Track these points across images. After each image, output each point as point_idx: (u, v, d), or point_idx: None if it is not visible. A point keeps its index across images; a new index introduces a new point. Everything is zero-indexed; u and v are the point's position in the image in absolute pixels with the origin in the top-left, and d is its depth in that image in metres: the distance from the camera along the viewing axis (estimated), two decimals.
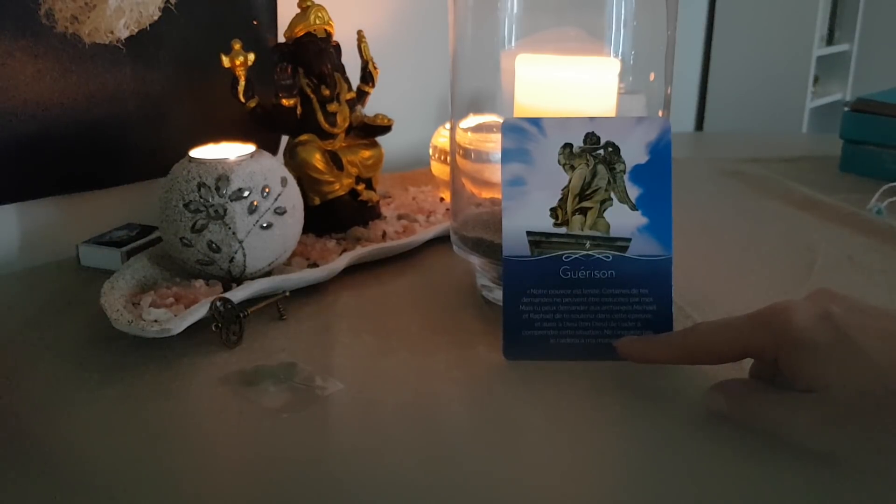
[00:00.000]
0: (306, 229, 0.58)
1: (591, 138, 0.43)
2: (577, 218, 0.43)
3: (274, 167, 0.53)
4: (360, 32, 0.66)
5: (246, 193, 0.50)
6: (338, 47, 0.64)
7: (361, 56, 0.66)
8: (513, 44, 0.51)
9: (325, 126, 0.63)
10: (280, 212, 0.52)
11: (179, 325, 0.46)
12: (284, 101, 0.60)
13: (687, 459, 0.36)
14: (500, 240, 0.44)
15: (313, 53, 0.62)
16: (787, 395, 0.36)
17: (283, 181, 0.53)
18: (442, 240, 0.64)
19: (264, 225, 0.51)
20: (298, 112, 0.62)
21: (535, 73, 0.50)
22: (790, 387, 0.35)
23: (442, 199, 0.72)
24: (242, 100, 0.60)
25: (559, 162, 0.43)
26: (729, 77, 2.06)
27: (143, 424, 0.39)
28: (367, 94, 0.67)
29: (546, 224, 0.43)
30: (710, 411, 0.39)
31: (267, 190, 0.52)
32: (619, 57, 0.49)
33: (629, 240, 0.43)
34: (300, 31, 0.62)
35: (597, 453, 0.37)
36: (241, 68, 0.59)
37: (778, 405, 0.36)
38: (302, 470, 0.36)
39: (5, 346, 0.48)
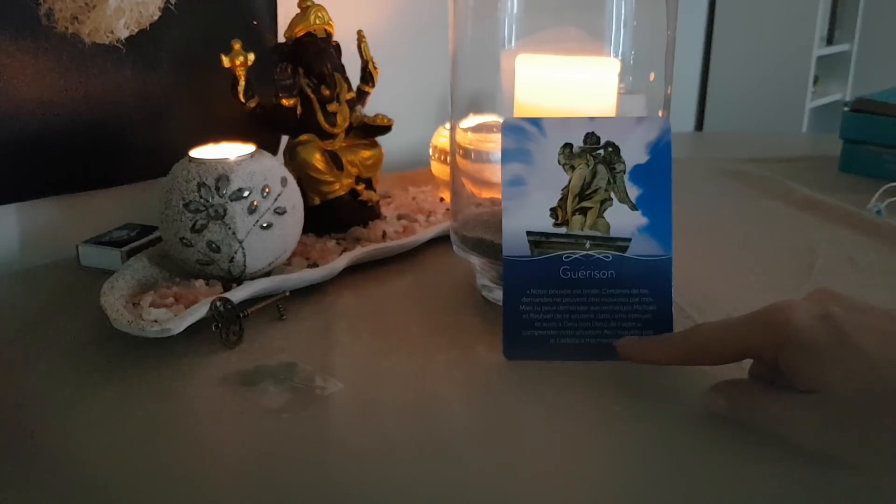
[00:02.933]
0: (306, 229, 0.58)
1: (591, 138, 0.43)
2: (577, 218, 0.43)
3: (274, 167, 0.53)
4: (360, 32, 0.66)
5: (246, 193, 0.50)
6: (338, 47, 0.64)
7: (361, 56, 0.66)
8: (513, 44, 0.51)
9: (325, 126, 0.63)
10: (280, 212, 0.52)
11: (179, 325, 0.46)
12: (284, 101, 0.60)
13: (687, 459, 0.36)
14: (500, 240, 0.44)
15: (313, 53, 0.62)
16: (787, 396, 0.36)
17: (283, 181, 0.53)
18: (442, 240, 0.64)
19: (264, 225, 0.51)
20: (298, 112, 0.62)
21: (535, 73, 0.50)
22: (790, 387, 0.35)
23: (442, 199, 0.72)
24: (242, 100, 0.60)
25: (559, 162, 0.43)
26: (729, 77, 2.06)
27: (143, 424, 0.39)
28: (367, 94, 0.67)
29: (546, 224, 0.43)
30: (710, 411, 0.39)
31: (267, 190, 0.52)
32: (619, 57, 0.49)
33: (629, 240, 0.43)
34: (300, 31, 0.62)
35: (597, 453, 0.37)
36: (241, 68, 0.59)
37: (778, 405, 0.36)
38: (302, 470, 0.36)
39: (5, 346, 0.48)
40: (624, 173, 0.43)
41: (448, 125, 0.59)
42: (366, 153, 0.65)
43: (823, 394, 0.34)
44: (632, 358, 0.42)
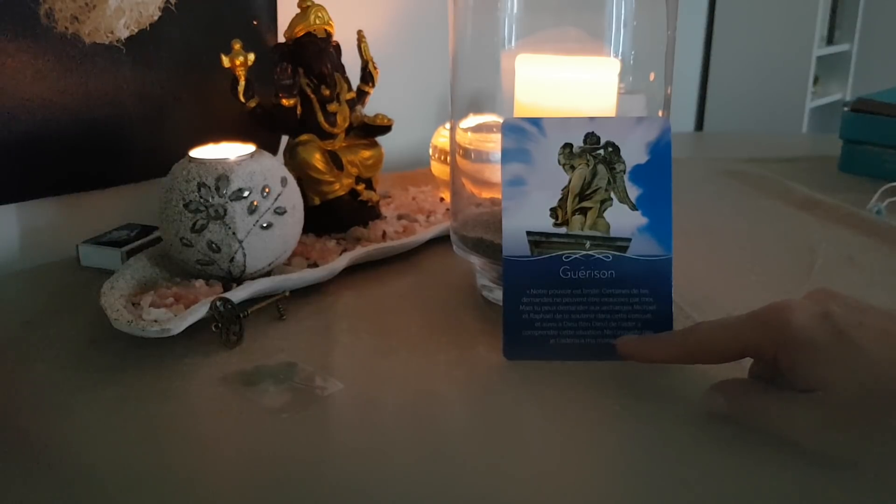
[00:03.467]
0: (306, 229, 0.58)
1: (591, 138, 0.43)
2: (577, 218, 0.43)
3: (274, 167, 0.53)
4: (360, 32, 0.66)
5: (246, 193, 0.50)
6: (338, 47, 0.64)
7: (361, 56, 0.66)
8: (513, 44, 0.51)
9: (325, 126, 0.63)
10: (280, 212, 0.52)
11: (179, 325, 0.46)
12: (284, 101, 0.60)
13: (686, 459, 0.36)
14: (500, 240, 0.44)
15: (313, 53, 0.62)
16: (786, 395, 0.36)
17: (283, 181, 0.53)
18: (442, 240, 0.64)
19: (264, 225, 0.51)
20: (298, 112, 0.62)
21: (535, 73, 0.50)
22: (790, 387, 0.36)
23: (442, 199, 0.72)
24: (242, 100, 0.60)
25: (559, 162, 0.43)
26: (729, 77, 2.06)
27: (143, 424, 0.39)
28: (367, 94, 0.67)
29: (546, 224, 0.43)
30: (710, 411, 0.39)
31: (267, 190, 0.52)
32: (619, 57, 0.49)
33: (629, 240, 0.43)
34: (300, 31, 0.62)
35: (597, 453, 0.37)
36: (241, 68, 0.59)
37: (777, 405, 0.36)
38: (302, 470, 0.36)
39: (5, 346, 0.48)
40: (624, 173, 0.43)
41: (448, 125, 0.59)
42: (366, 153, 0.65)
43: (823, 393, 0.34)
44: (631, 356, 0.42)
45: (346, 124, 0.64)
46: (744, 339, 0.37)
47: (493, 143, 0.54)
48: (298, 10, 0.62)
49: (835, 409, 0.34)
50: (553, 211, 0.43)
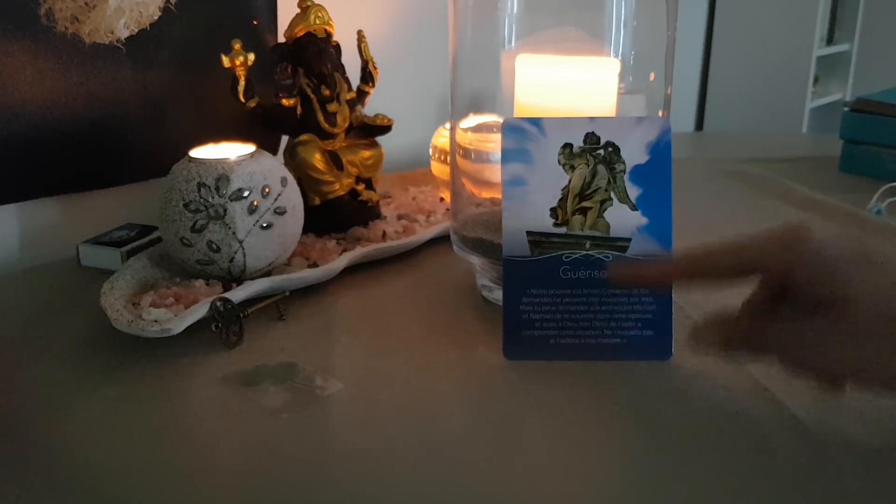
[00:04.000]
0: (306, 229, 0.58)
1: (591, 138, 0.43)
2: (577, 218, 0.43)
3: (274, 167, 0.53)
4: (360, 32, 0.66)
5: (246, 193, 0.50)
6: (338, 47, 0.64)
7: (361, 56, 0.66)
8: (513, 44, 0.51)
9: (325, 126, 0.63)
10: (280, 212, 0.52)
11: (179, 325, 0.46)
12: (284, 101, 0.60)
13: (686, 459, 0.36)
14: (500, 240, 0.44)
15: (313, 53, 0.62)
16: (792, 318, 0.34)
17: (283, 181, 0.53)
18: (442, 240, 0.64)
19: (264, 225, 0.51)
20: (298, 112, 0.62)
21: (536, 73, 0.50)
22: (798, 310, 0.34)
23: (442, 199, 0.72)
24: (242, 100, 0.60)
25: (559, 162, 0.43)
26: (729, 77, 2.06)
27: (143, 424, 0.39)
28: (367, 94, 0.67)
29: (546, 224, 0.43)
30: (699, 353, 0.37)
31: (267, 190, 0.52)
32: (619, 57, 0.49)
33: (629, 240, 0.43)
34: (300, 31, 0.62)
35: (596, 453, 0.37)
36: (241, 68, 0.59)
37: (782, 326, 0.35)
38: (302, 470, 0.36)
39: (5, 346, 0.48)
40: (624, 173, 0.43)
41: (448, 125, 0.59)
42: (366, 153, 0.65)
43: (843, 309, 0.32)
44: (624, 279, 0.40)
45: (346, 124, 0.64)
46: (755, 253, 0.35)
47: (493, 143, 0.54)
48: (298, 10, 0.62)
49: (852, 325, 0.32)
50: (553, 211, 0.43)
